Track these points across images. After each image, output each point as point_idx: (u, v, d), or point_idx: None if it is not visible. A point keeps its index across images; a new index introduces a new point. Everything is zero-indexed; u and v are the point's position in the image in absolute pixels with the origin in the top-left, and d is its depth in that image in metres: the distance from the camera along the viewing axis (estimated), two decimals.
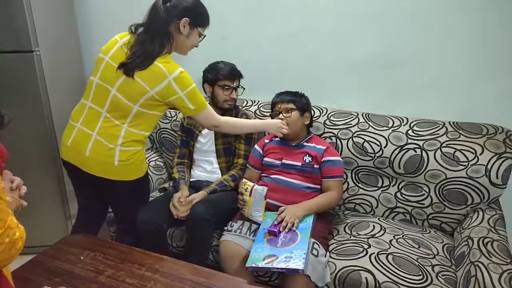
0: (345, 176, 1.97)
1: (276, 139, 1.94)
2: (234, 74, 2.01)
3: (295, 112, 1.85)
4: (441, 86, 1.94)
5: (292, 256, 1.46)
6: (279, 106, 1.89)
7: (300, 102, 1.88)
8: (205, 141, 2.06)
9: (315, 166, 1.81)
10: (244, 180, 1.78)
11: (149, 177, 2.05)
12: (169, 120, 2.37)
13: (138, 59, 1.49)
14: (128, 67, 1.49)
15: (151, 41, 1.51)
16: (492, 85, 1.85)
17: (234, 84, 2.00)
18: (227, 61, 2.05)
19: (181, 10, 1.53)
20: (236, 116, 2.04)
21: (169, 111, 2.37)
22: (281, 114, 1.86)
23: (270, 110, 2.15)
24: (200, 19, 1.60)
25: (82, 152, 1.57)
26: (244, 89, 2.06)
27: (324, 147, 1.84)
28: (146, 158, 2.34)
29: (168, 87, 1.50)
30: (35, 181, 2.22)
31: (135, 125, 1.57)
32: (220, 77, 1.98)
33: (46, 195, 2.28)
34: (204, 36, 1.66)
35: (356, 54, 2.04)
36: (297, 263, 1.42)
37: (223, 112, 2.03)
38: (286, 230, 1.60)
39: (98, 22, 2.54)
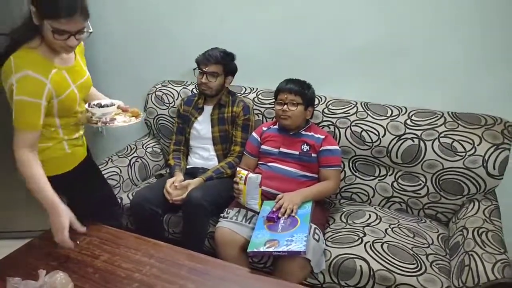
0: (342, 165, 1.97)
1: (274, 127, 1.93)
2: (205, 58, 1.96)
3: (300, 107, 1.81)
4: (441, 76, 1.92)
5: (293, 240, 1.47)
6: (285, 96, 1.81)
7: (306, 96, 1.82)
8: (201, 128, 2.05)
9: (313, 155, 1.81)
10: (238, 169, 1.78)
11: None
12: (166, 106, 2.35)
13: None
14: None
15: (17, 29, 1.29)
16: (491, 77, 1.84)
17: (207, 68, 1.95)
18: (226, 45, 2.03)
19: None
20: (233, 104, 2.03)
21: (168, 96, 2.35)
22: (285, 106, 1.80)
23: (268, 98, 2.15)
24: (45, 7, 1.20)
25: None
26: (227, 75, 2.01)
27: (323, 137, 1.83)
28: (144, 144, 2.35)
29: (11, 86, 1.23)
30: None
31: None
32: (196, 61, 1.99)
33: None
34: (69, 35, 1.23)
35: (356, 42, 2.01)
36: (298, 246, 1.44)
37: (205, 97, 2.05)
38: (286, 216, 1.61)
39: (96, 5, 2.49)
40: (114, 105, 1.53)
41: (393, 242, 1.60)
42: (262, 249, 1.48)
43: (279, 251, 1.45)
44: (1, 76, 1.29)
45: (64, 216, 1.29)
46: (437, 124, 1.82)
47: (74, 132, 1.51)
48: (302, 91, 1.81)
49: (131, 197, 1.92)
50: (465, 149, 1.74)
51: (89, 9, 1.26)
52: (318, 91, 1.95)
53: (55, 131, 1.42)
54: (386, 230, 1.68)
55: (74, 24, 1.22)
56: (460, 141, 1.75)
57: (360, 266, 1.50)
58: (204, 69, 1.95)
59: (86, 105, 1.49)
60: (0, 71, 1.28)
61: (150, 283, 1.25)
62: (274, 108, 1.92)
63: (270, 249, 1.47)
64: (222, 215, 1.75)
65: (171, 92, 2.37)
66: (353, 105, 2.00)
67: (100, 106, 1.52)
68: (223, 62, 1.97)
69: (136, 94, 2.54)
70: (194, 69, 2.01)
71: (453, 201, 1.80)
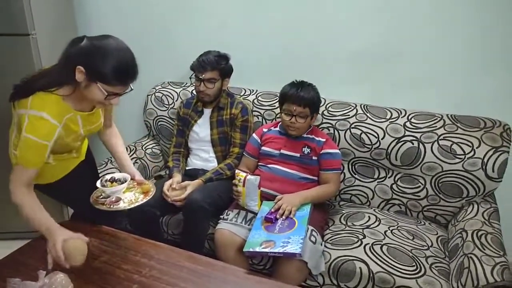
0: (342, 168, 1.97)
1: (275, 128, 1.93)
2: (201, 65, 1.92)
3: (308, 118, 1.79)
4: (440, 77, 1.93)
5: (289, 242, 1.48)
6: (294, 108, 1.75)
7: (315, 105, 1.80)
8: (200, 130, 2.05)
9: (314, 157, 1.81)
10: (237, 171, 1.78)
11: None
12: (166, 107, 2.35)
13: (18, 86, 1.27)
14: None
15: (52, 72, 1.27)
16: (490, 80, 1.85)
17: (203, 76, 1.91)
18: (225, 47, 2.02)
19: (77, 53, 1.21)
20: (231, 106, 2.02)
21: (167, 97, 2.35)
22: (293, 118, 1.76)
23: (268, 100, 2.15)
24: (104, 74, 1.19)
25: None
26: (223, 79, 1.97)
27: (324, 140, 1.83)
28: (143, 145, 2.35)
29: (23, 117, 1.22)
30: None
31: None
32: (191, 68, 1.96)
33: None
34: (117, 95, 1.27)
35: (356, 44, 2.02)
36: (294, 248, 1.44)
37: (204, 104, 2.02)
38: (284, 217, 1.61)
39: (95, 5, 2.50)
40: (126, 181, 1.46)
41: (393, 244, 1.60)
42: (257, 249, 1.48)
43: (275, 252, 1.46)
44: (15, 100, 1.27)
45: (58, 235, 1.23)
46: (436, 126, 1.82)
47: (64, 153, 1.46)
48: (311, 101, 1.77)
49: None
50: (464, 151, 1.74)
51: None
52: None
53: None
54: (385, 232, 1.69)
55: (126, 88, 1.26)
56: (459, 144, 1.76)
57: (360, 268, 1.50)
58: (200, 77, 1.92)
59: (98, 183, 1.43)
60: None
61: (150, 285, 1.25)
62: (280, 116, 1.85)
63: (266, 250, 1.47)
64: (221, 216, 1.75)
65: (170, 93, 2.37)
66: (352, 107, 2.00)
67: (113, 180, 1.47)
68: (218, 66, 1.93)
69: (135, 95, 2.51)
70: (190, 77, 1.99)
71: (452, 204, 1.80)
